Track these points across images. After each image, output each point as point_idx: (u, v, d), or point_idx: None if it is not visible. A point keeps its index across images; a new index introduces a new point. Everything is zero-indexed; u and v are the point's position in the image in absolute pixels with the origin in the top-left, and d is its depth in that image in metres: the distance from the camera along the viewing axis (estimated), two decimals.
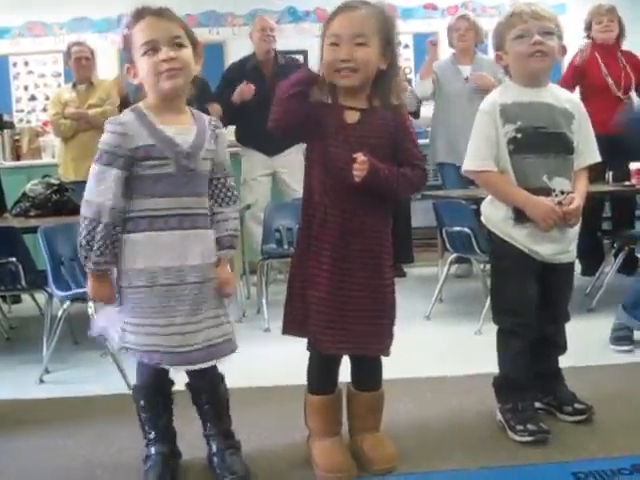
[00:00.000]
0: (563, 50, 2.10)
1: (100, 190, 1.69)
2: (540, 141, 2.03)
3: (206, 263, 1.78)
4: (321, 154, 1.84)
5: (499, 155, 2.06)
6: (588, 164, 2.13)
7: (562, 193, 2.04)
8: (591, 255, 4.09)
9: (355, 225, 1.84)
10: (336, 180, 1.83)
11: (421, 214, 5.12)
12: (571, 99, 2.14)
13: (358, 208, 1.84)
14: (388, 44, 1.82)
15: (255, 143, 4.65)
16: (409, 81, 4.82)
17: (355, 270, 1.83)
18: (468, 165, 2.12)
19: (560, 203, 2.01)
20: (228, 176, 1.88)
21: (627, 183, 3.75)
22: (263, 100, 4.41)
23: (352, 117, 1.84)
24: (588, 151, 2.12)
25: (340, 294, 1.82)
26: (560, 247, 2.08)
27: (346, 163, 1.79)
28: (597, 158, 2.14)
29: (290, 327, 1.90)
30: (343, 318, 1.83)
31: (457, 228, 3.52)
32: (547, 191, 2.03)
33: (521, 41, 2.02)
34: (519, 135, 2.03)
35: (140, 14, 1.75)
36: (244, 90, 4.53)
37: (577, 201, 2.03)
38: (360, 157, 1.77)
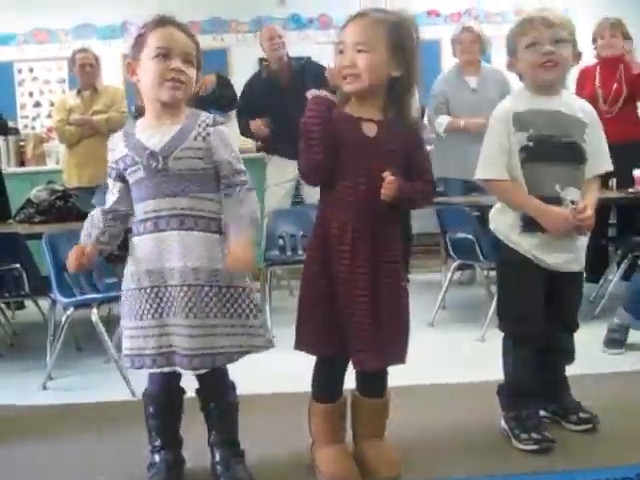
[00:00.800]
0: (577, 56, 2.07)
1: (107, 199, 1.88)
2: (552, 150, 2.02)
3: (192, 266, 1.74)
4: (342, 168, 1.82)
5: (511, 163, 2.04)
6: (600, 173, 2.11)
7: (572, 203, 2.03)
8: (596, 262, 4.07)
9: (382, 238, 1.85)
10: (359, 195, 1.82)
11: (424, 220, 5.11)
12: (584, 107, 2.12)
13: (382, 222, 1.85)
14: (399, 51, 1.80)
15: (280, 149, 4.66)
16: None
17: (385, 283, 1.84)
18: (480, 174, 2.10)
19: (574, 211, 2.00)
20: (237, 173, 1.79)
21: (631, 190, 3.74)
22: (282, 107, 4.51)
23: (370, 130, 1.83)
24: (600, 160, 2.10)
25: (377, 312, 1.83)
26: (569, 256, 2.07)
27: (369, 177, 1.80)
28: (609, 167, 2.12)
29: (304, 345, 1.88)
30: (379, 333, 1.83)
31: (461, 235, 3.52)
32: (559, 200, 2.01)
33: (532, 50, 2.00)
34: (531, 143, 2.02)
35: (163, 21, 1.78)
36: (259, 128, 4.63)
37: (590, 209, 2.02)
38: (389, 177, 1.77)
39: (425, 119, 4.89)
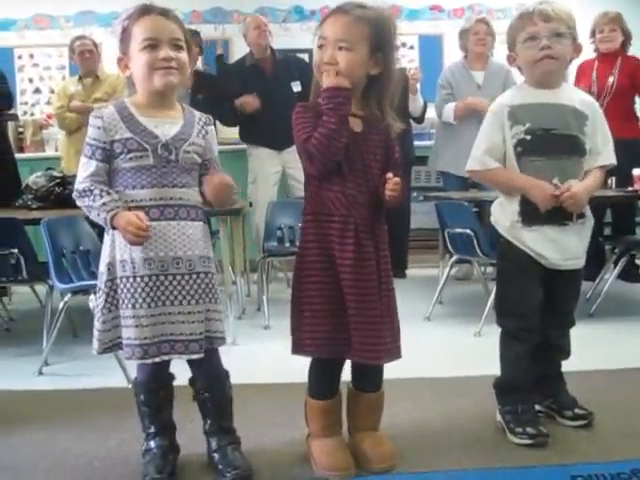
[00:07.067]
0: (578, 49, 2.06)
1: (84, 177, 1.75)
2: (550, 143, 2.02)
3: (191, 255, 1.78)
4: (338, 163, 1.81)
5: (507, 157, 2.05)
6: (599, 165, 2.09)
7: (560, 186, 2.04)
8: (592, 260, 4.07)
9: (379, 231, 1.87)
10: (360, 190, 1.82)
11: (423, 216, 5.13)
12: (585, 100, 2.12)
13: (378, 214, 1.87)
14: (379, 49, 1.80)
15: (262, 140, 4.66)
16: (413, 82, 4.72)
17: (384, 276, 1.86)
18: (470, 165, 2.12)
19: (558, 193, 1.99)
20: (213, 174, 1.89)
21: (630, 189, 3.75)
22: (265, 97, 4.49)
23: (357, 125, 1.83)
24: (601, 153, 2.08)
25: (382, 305, 1.84)
26: (568, 253, 2.07)
27: (365, 172, 1.82)
28: (612, 160, 2.10)
29: (309, 348, 1.84)
30: (386, 325, 1.85)
31: (459, 230, 3.52)
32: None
33: (530, 44, 2.00)
34: (528, 137, 2.02)
35: (146, 10, 1.77)
36: (249, 103, 4.56)
37: (575, 189, 1.99)
38: (395, 179, 1.78)
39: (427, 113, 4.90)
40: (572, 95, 2.10)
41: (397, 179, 1.79)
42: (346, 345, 1.83)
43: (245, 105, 4.58)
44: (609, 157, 2.10)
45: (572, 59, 2.08)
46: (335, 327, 1.82)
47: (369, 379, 1.95)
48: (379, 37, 1.79)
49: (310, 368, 1.93)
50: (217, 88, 4.63)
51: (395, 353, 1.89)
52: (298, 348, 1.86)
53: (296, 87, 4.47)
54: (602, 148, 2.09)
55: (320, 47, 1.80)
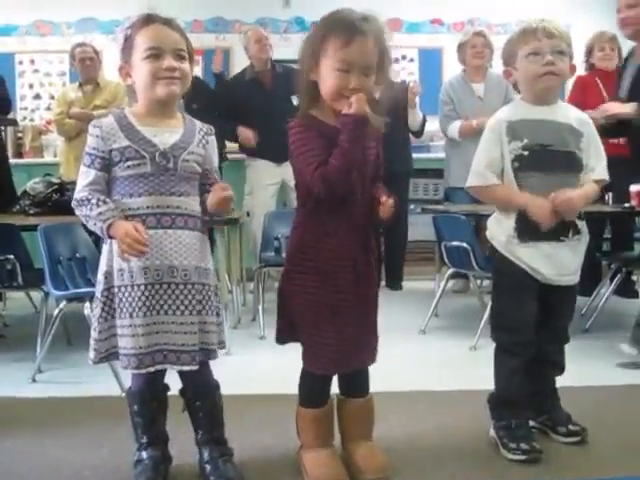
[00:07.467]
0: (572, 69, 2.09)
1: (82, 186, 1.75)
2: (547, 159, 2.03)
3: (187, 265, 1.77)
4: None
5: (504, 172, 2.06)
6: (594, 178, 2.09)
7: None
8: (588, 276, 4.08)
9: (372, 245, 1.92)
10: (357, 211, 1.85)
11: (420, 228, 5.12)
12: (580, 117, 2.13)
13: (371, 231, 1.90)
14: (380, 66, 1.81)
15: (261, 153, 4.67)
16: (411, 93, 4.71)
17: (366, 286, 1.91)
18: (470, 182, 2.12)
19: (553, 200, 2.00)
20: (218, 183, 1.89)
21: (627, 205, 3.76)
22: (265, 110, 4.51)
23: None
24: (597, 168, 2.09)
25: (366, 320, 1.91)
26: (564, 269, 2.07)
27: (363, 192, 1.84)
28: (604, 176, 2.11)
29: (322, 366, 1.87)
30: (372, 330, 1.93)
31: (456, 243, 3.53)
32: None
33: (533, 60, 2.01)
34: (525, 152, 2.03)
35: (149, 19, 1.77)
36: (248, 139, 4.65)
37: (570, 193, 2.00)
38: (389, 201, 1.81)
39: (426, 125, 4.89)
40: (567, 112, 2.11)
41: (391, 201, 1.82)
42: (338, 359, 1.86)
43: (244, 140, 4.66)
44: (603, 173, 2.11)
45: (567, 78, 2.10)
46: (344, 344, 1.84)
47: (357, 383, 1.96)
48: (381, 51, 1.80)
49: (301, 376, 1.93)
50: (212, 101, 4.65)
51: (372, 357, 1.93)
52: (310, 364, 1.87)
53: (296, 100, 4.48)
54: (596, 164, 2.10)
55: (341, 71, 1.76)
